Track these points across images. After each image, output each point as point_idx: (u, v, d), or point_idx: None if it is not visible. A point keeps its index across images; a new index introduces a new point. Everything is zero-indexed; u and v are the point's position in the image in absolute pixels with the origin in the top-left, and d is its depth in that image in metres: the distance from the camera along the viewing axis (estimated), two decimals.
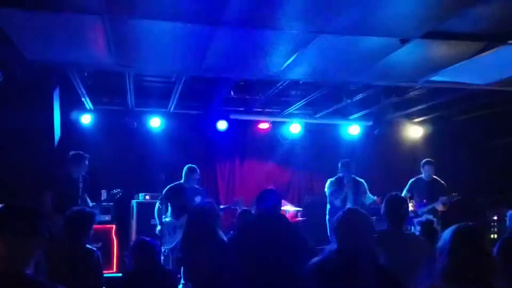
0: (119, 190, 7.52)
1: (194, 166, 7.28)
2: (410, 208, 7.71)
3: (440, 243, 2.50)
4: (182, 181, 7.19)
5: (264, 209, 4.07)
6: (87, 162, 7.03)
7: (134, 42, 4.79)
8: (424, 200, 7.92)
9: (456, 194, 7.86)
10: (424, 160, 8.16)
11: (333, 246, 2.94)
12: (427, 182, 8.00)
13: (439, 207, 7.73)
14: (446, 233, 2.50)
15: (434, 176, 8.04)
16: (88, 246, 4.49)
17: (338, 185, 7.76)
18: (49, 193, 6.67)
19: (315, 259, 3.03)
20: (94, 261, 4.36)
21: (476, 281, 2.35)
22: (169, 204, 7.11)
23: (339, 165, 7.90)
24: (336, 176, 7.89)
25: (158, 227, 7.13)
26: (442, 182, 8.03)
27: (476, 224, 2.54)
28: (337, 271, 2.83)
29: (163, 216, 7.15)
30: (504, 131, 9.39)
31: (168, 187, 7.21)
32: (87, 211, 4.60)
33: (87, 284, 4.13)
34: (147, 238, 4.51)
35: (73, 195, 6.90)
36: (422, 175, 8.08)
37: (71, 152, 7.06)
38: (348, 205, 7.39)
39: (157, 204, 7.23)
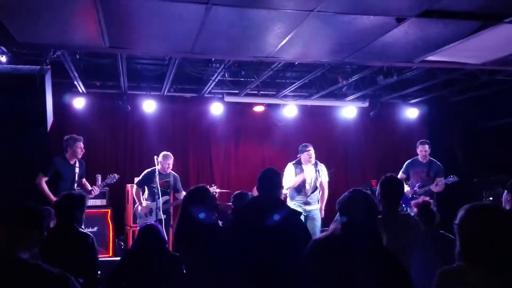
0: (114, 174, 7.51)
1: (168, 153, 7.72)
2: (406, 189, 7.72)
3: (456, 221, 2.44)
4: (158, 166, 7.50)
5: (265, 188, 4.02)
6: (82, 145, 7.00)
7: (125, 23, 4.71)
8: (420, 182, 7.91)
9: (453, 176, 7.82)
10: (419, 141, 8.15)
11: (337, 225, 2.96)
12: (424, 163, 7.97)
13: (436, 188, 7.72)
14: (461, 212, 2.43)
15: (431, 158, 8.01)
16: (82, 230, 4.47)
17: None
18: (43, 178, 6.65)
19: (319, 236, 3.07)
20: (88, 245, 4.34)
21: (497, 262, 2.26)
22: (146, 187, 7.67)
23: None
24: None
25: (138, 208, 7.71)
26: (439, 163, 7.99)
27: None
28: (339, 249, 2.84)
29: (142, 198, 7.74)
30: (500, 111, 9.37)
31: (145, 171, 7.71)
32: (76, 194, 4.59)
33: (82, 268, 4.11)
34: (155, 223, 4.59)
35: (69, 180, 6.88)
36: (418, 156, 8.06)
37: (66, 136, 7.04)
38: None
39: (135, 187, 7.78)
